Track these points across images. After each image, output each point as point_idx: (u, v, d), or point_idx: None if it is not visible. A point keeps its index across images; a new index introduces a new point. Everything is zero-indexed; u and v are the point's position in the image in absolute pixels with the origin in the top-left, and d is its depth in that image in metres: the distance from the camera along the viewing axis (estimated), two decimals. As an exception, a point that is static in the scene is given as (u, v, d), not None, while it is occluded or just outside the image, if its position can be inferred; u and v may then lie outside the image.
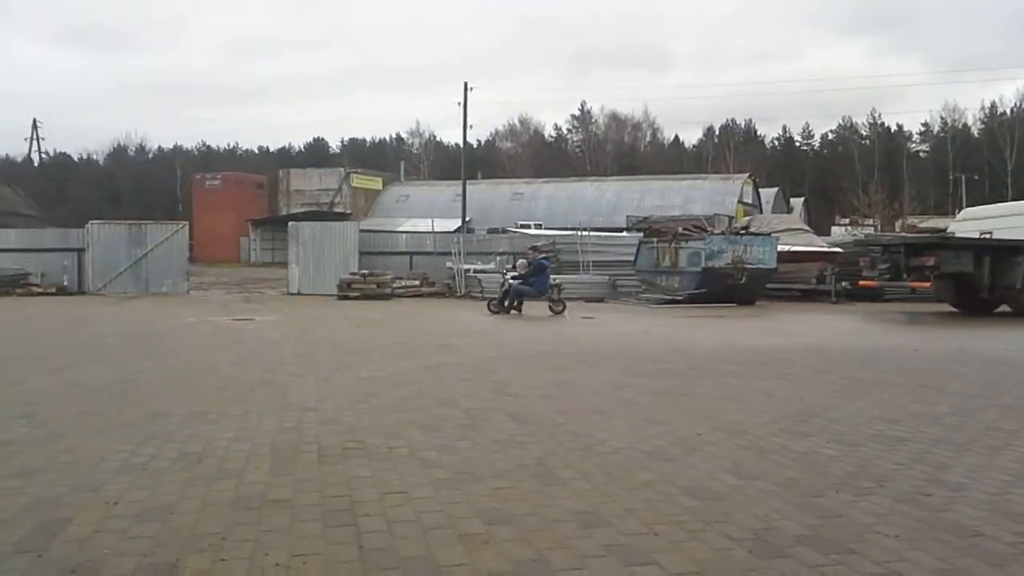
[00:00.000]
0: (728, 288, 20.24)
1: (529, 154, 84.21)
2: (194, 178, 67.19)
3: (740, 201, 49.74)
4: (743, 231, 23.23)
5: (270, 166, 75.56)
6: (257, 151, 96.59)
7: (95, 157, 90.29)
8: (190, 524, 3.61)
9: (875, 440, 5.39)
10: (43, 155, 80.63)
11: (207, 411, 6.22)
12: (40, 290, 23.44)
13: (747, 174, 56.49)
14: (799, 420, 6.08)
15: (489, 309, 17.21)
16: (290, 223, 27.75)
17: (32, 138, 77.96)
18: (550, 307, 17.13)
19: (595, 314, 17.55)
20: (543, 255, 18.51)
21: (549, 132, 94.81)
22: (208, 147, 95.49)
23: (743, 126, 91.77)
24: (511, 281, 16.99)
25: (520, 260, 17.55)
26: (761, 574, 3.12)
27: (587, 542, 3.41)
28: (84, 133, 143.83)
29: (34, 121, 78.52)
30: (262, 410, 6.30)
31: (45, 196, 64.74)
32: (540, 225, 43.45)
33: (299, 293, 24.60)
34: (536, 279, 17.15)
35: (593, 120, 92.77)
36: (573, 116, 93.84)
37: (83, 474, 4.43)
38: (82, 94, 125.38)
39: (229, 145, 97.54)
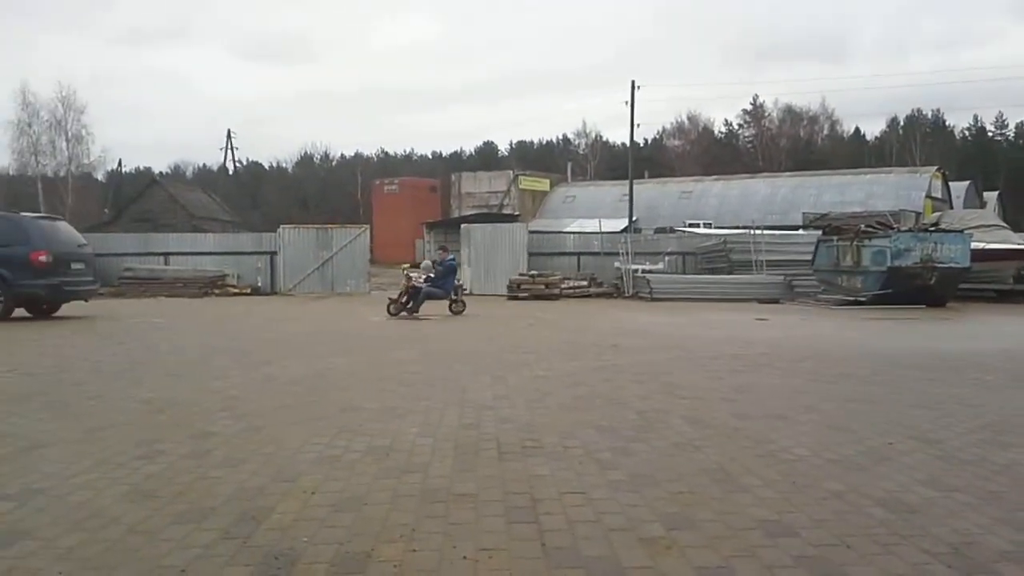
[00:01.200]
0: (916, 289, 19.02)
1: (698, 151, 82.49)
2: (373, 183, 70.29)
3: (928, 196, 46.67)
4: (932, 228, 21.79)
5: (443, 170, 77.93)
6: (431, 156, 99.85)
7: (284, 165, 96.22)
8: (382, 515, 3.79)
9: (1093, 456, 4.94)
10: (237, 164, 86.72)
11: (393, 406, 6.51)
12: (236, 290, 25.24)
13: (935, 167, 52.89)
14: (1000, 430, 5.66)
15: (388, 312, 16.32)
16: (462, 225, 28.54)
17: (227, 148, 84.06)
18: (450, 307, 16.75)
19: (770, 316, 16.98)
20: (451, 257, 17.67)
21: (719, 128, 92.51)
22: (386, 153, 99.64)
23: (930, 116, 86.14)
24: (420, 284, 16.32)
25: (425, 262, 16.83)
26: (967, 594, 2.94)
27: (775, 552, 3.33)
28: (274, 143, 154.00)
29: (228, 132, 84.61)
30: (443, 407, 6.52)
31: (239, 202, 69.60)
32: (709, 224, 42.48)
33: (471, 293, 25.20)
34: (444, 280, 16.70)
35: (766, 114, 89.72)
36: (744, 111, 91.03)
37: (282, 464, 4.74)
38: (272, 106, 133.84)
39: (405, 151, 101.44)
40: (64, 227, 17.07)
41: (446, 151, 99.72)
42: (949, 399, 6.95)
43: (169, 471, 4.59)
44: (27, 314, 15.86)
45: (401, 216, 60.94)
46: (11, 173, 58.51)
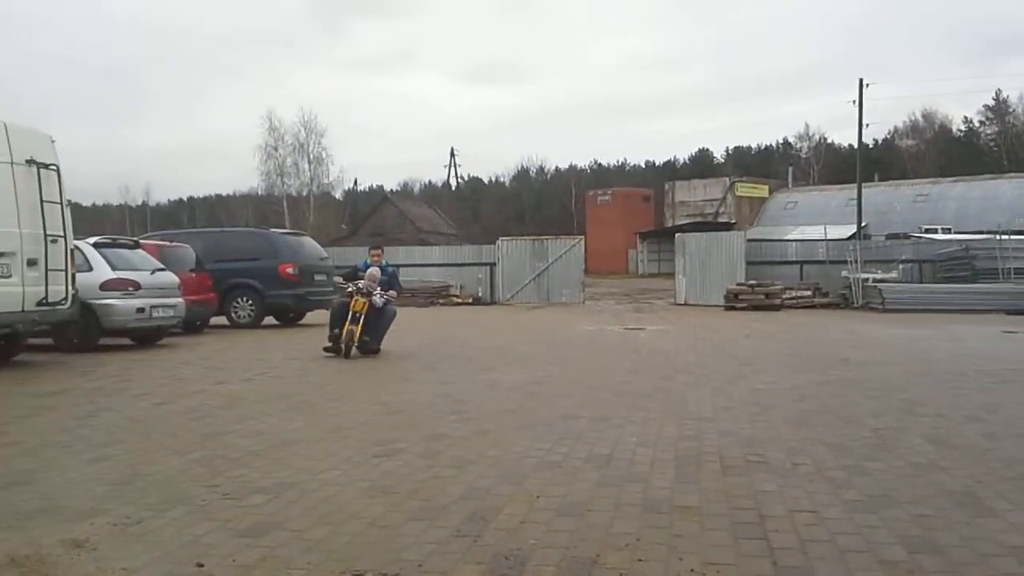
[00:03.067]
0: None
1: (934, 151, 76.56)
2: (587, 195, 71.07)
3: None
4: None
5: (656, 179, 77.43)
6: (644, 165, 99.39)
7: (502, 179, 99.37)
8: (605, 522, 3.83)
9: None
10: (459, 179, 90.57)
11: (610, 415, 6.55)
12: (459, 300, 26.36)
13: None
14: None
15: (331, 349, 11.08)
16: (676, 234, 28.18)
17: (450, 165, 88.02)
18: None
19: (1019, 328, 15.45)
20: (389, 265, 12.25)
21: (957, 126, 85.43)
22: (599, 164, 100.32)
23: None
24: (377, 298, 11.12)
25: (372, 269, 11.37)
26: None
27: (1033, 585, 3.05)
28: (493, 158, 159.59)
29: (451, 150, 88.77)
30: (662, 417, 6.49)
31: (461, 216, 72.71)
32: (949, 229, 39.38)
33: (685, 303, 24.87)
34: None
35: (1011, 110, 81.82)
36: (986, 107, 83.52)
37: (508, 468, 4.90)
38: (491, 123, 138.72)
39: (618, 161, 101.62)
40: (308, 242, 18.59)
41: (659, 160, 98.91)
42: None
43: (405, 468, 4.88)
44: (275, 322, 17.37)
45: (614, 226, 61.19)
46: (260, 193, 64.29)
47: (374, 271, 11.36)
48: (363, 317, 10.92)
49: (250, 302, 16.59)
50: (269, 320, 17.17)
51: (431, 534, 3.69)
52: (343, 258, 26.72)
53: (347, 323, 10.80)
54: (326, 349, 11.01)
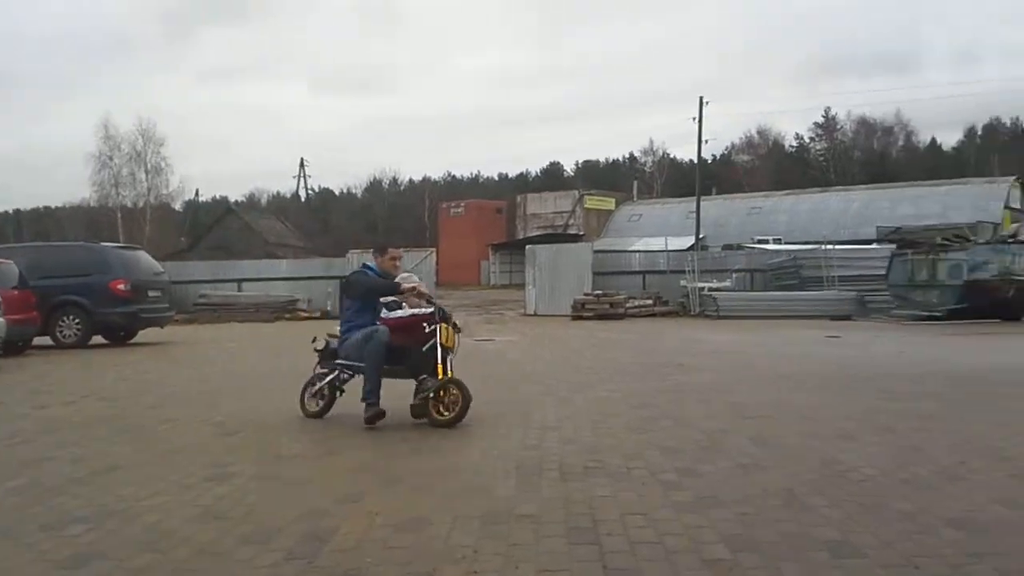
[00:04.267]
0: (994, 303, 18.45)
1: (768, 166, 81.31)
2: (440, 206, 71.13)
3: (1007, 207, 45.17)
4: (1011, 239, 21.10)
5: (509, 192, 78.39)
6: (497, 178, 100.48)
7: (354, 191, 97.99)
8: (444, 536, 3.83)
9: None
10: (309, 191, 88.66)
11: (462, 424, 6.56)
12: (307, 314, 25.73)
13: (1014, 177, 51.18)
14: (1086, 450, 5.44)
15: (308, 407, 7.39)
16: (527, 246, 28.67)
17: (299, 176, 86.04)
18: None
19: (842, 333, 16.61)
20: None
21: (789, 142, 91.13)
22: (453, 177, 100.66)
23: (1009, 124, 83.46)
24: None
25: (407, 278, 7.73)
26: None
27: (838, 572, 3.26)
28: (344, 169, 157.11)
29: (301, 160, 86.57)
30: (507, 427, 6.55)
31: (310, 228, 71.15)
32: (779, 240, 41.80)
33: (535, 314, 25.30)
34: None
35: (839, 127, 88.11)
36: (816, 124, 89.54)
37: (348, 486, 4.80)
38: (341, 134, 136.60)
39: (472, 174, 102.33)
40: (143, 256, 17.71)
41: (512, 173, 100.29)
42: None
43: (239, 492, 4.71)
44: (104, 341, 16.43)
45: (467, 238, 61.47)
46: (92, 204, 60.82)
47: (411, 279, 7.77)
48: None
49: (77, 320, 15.60)
50: (98, 339, 16.22)
51: (263, 558, 3.58)
52: (181, 273, 25.74)
53: (438, 366, 6.75)
54: (416, 415, 6.82)
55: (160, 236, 54.78)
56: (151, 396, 8.92)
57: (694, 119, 46.45)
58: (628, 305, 23.54)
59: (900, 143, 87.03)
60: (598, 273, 26.09)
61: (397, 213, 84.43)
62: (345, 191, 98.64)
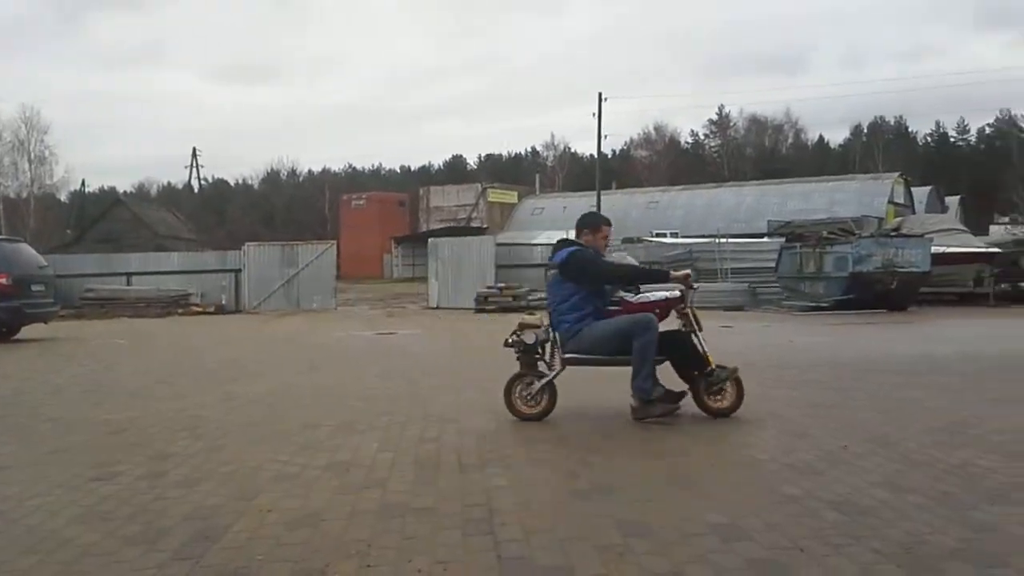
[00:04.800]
0: (877, 294, 19.34)
1: (665, 162, 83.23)
2: (341, 199, 70.09)
3: (890, 202, 47.51)
4: (893, 233, 22.19)
5: (412, 184, 77.89)
6: (399, 170, 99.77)
7: (250, 182, 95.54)
8: (338, 531, 3.76)
9: (1041, 453, 5.04)
10: (202, 182, 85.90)
11: (354, 421, 6.48)
12: (200, 309, 24.98)
13: (898, 173, 53.85)
14: (953, 431, 5.75)
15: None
16: (430, 239, 28.54)
17: (192, 166, 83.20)
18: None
19: (734, 323, 17.14)
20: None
21: (685, 139, 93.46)
22: (354, 168, 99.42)
23: (893, 123, 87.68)
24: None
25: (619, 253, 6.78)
26: (913, 593, 2.99)
27: (727, 556, 3.35)
28: (241, 161, 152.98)
29: (194, 150, 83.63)
30: (406, 420, 6.50)
31: (204, 220, 69.00)
32: (676, 233, 42.83)
33: (438, 307, 25.22)
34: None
35: (732, 124, 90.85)
36: (711, 121, 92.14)
37: (240, 483, 4.67)
38: (238, 125, 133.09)
39: (373, 166, 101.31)
40: (25, 249, 16.83)
41: (415, 165, 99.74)
42: (907, 402, 7.06)
43: (126, 491, 4.53)
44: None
45: (369, 231, 60.86)
46: (-30, 195, 57.56)
47: (627, 259, 7.39)
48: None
49: (-49, 317, 14.73)
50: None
51: (150, 558, 3.45)
52: (66, 266, 24.61)
53: (706, 355, 6.42)
54: (667, 404, 6.28)
55: (44, 228, 52.37)
56: (35, 394, 8.49)
57: (594, 115, 47.19)
58: (530, 297, 23.69)
59: (790, 140, 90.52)
60: (501, 266, 26.17)
61: (296, 205, 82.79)
62: (241, 182, 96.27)
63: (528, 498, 4.22)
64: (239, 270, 26.15)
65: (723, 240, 26.87)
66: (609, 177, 63.88)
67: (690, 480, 4.54)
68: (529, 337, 6.46)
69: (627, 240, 36.84)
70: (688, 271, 6.87)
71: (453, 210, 60.85)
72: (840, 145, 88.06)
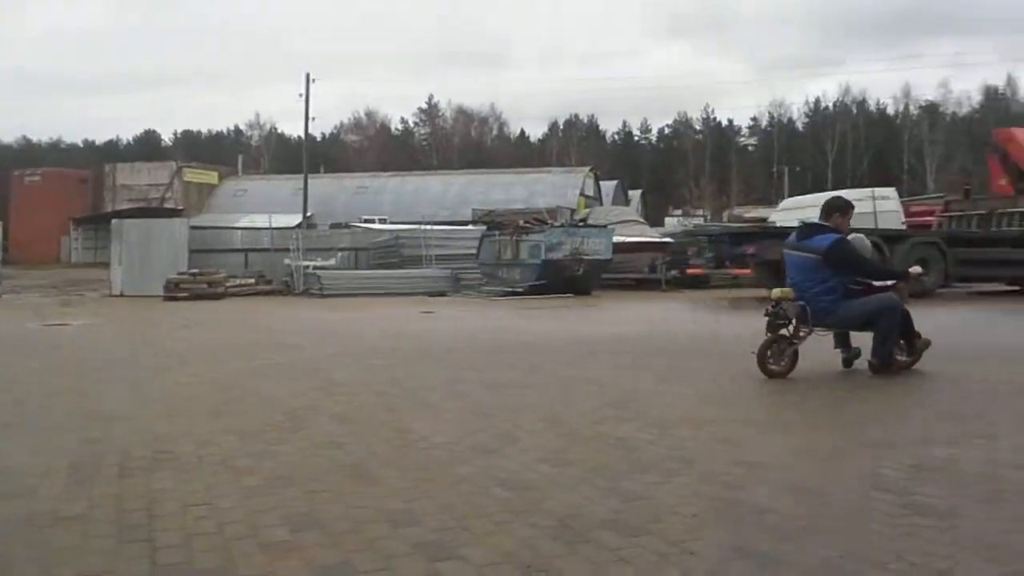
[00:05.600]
0: (566, 279, 20.72)
1: (375, 148, 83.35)
2: (12, 173, 62.38)
3: (582, 194, 51.03)
4: (581, 223, 23.83)
5: (96, 160, 71.18)
6: (82, 144, 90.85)
7: None
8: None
9: (688, 423, 5.62)
10: None
11: (6, 423, 5.78)
12: None
13: (588, 168, 57.96)
14: (620, 407, 6.25)
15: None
16: (113, 220, 26.26)
17: None
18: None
19: (436, 308, 17.54)
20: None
21: (395, 126, 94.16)
22: (28, 141, 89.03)
23: (586, 121, 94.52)
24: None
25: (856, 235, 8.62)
26: (561, 560, 3.19)
27: (395, 542, 3.38)
28: None
29: None
30: (66, 421, 5.90)
31: None
32: (384, 219, 43.00)
33: (122, 295, 23.26)
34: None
35: (440, 114, 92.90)
36: (420, 109, 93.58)
37: None
38: None
39: (52, 139, 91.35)
40: None
41: (100, 140, 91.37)
42: (583, 381, 7.56)
43: None
44: None
45: (45, 211, 54.75)
46: None
47: (863, 241, 8.82)
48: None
49: None
50: None
51: None
52: None
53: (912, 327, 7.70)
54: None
55: None
56: None
57: (301, 95, 45.97)
58: (229, 284, 22.61)
59: (495, 133, 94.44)
60: (197, 251, 24.69)
61: (-45, 180, 72.56)
62: None
63: (196, 500, 3.99)
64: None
65: (429, 227, 27.36)
66: (318, 160, 62.72)
67: (365, 468, 4.54)
68: (791, 310, 7.41)
69: (335, 225, 36.42)
70: (919, 269, 8.92)
71: (144, 189, 56.48)
72: (539, 139, 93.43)
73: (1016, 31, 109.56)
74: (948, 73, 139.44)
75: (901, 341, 7.61)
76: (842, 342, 7.83)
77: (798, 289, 7.48)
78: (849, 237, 7.76)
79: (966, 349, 9.21)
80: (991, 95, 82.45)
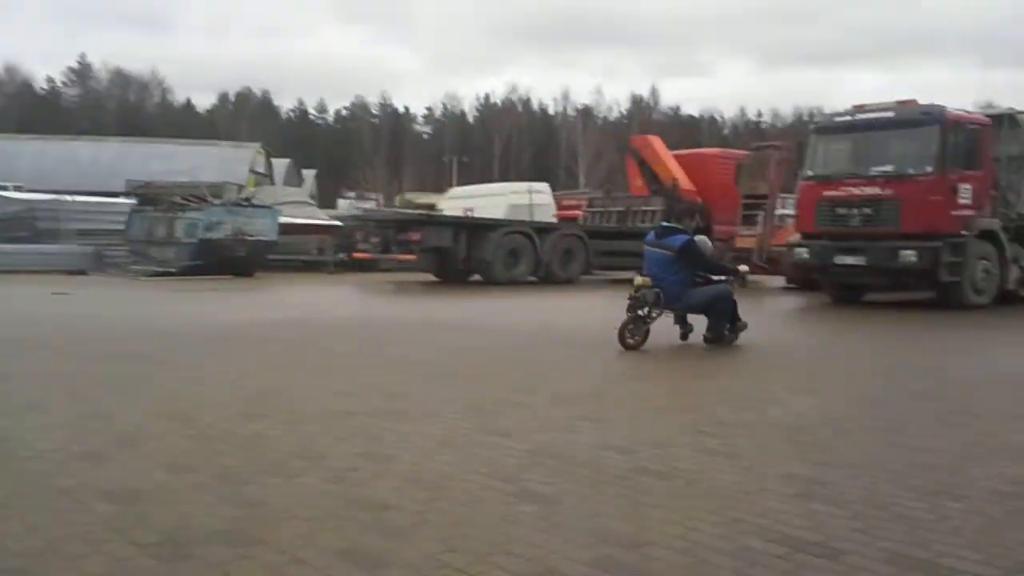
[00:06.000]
0: (226, 260, 19.82)
1: (15, 107, 73.78)
2: None
3: (252, 171, 48.91)
4: (245, 203, 22.85)
5: None
6: None
7: None
8: None
9: (325, 416, 5.50)
10: None
11: None
12: None
13: (259, 144, 55.73)
14: (257, 402, 5.96)
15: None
16: None
17: None
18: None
19: (73, 289, 15.84)
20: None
21: (40, 85, 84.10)
22: None
23: (260, 96, 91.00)
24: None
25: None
26: (159, 583, 2.94)
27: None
28: None
29: None
30: None
31: None
32: (21, 187, 38.11)
33: None
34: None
35: (94, 75, 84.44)
36: (71, 68, 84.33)
37: None
38: None
39: None
40: None
41: None
42: (221, 373, 7.16)
43: None
44: None
45: None
46: None
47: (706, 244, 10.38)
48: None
49: None
50: None
51: None
52: None
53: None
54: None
55: None
56: None
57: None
58: None
59: (156, 99, 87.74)
60: None
61: None
62: None
63: None
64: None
65: (69, 198, 24.68)
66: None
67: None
68: (649, 296, 8.75)
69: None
70: (746, 268, 10.66)
71: None
72: (207, 111, 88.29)
73: (662, 45, 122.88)
74: (601, 80, 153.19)
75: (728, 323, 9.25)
76: (681, 320, 9.41)
77: (655, 279, 8.90)
78: (696, 239, 9.33)
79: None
80: (637, 103, 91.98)
